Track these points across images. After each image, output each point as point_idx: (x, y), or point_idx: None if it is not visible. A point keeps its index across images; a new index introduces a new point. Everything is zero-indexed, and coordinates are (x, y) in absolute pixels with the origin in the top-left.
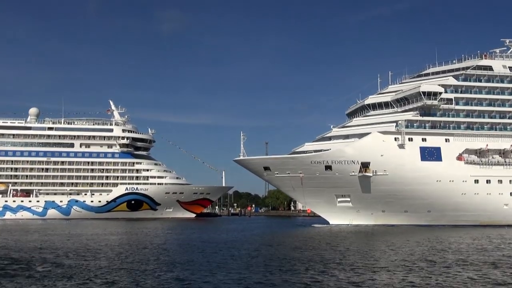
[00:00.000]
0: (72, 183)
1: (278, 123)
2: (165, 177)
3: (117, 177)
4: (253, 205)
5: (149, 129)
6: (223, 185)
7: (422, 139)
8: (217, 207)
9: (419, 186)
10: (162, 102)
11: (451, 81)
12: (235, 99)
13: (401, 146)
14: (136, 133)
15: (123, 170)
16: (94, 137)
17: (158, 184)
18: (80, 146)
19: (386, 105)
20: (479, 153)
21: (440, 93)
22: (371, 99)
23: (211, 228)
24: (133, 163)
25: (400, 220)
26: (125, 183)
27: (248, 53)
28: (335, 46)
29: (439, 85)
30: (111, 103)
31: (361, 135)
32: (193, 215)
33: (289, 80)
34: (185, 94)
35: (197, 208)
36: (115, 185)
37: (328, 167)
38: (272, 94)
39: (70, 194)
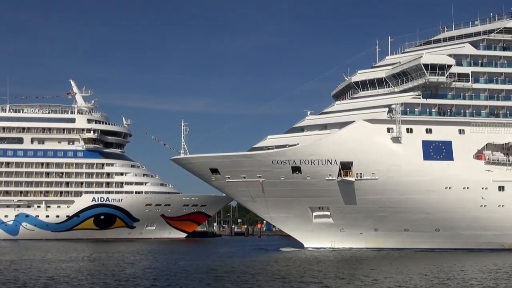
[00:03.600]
0: (21, 192)
1: (295, 110)
2: (146, 183)
3: (81, 183)
4: (264, 222)
5: (123, 118)
6: (224, 194)
7: (426, 130)
8: (215, 224)
9: (421, 195)
10: (140, 83)
11: (468, 49)
12: (236, 79)
13: (396, 139)
14: (106, 124)
15: (89, 174)
16: (50, 129)
17: (136, 193)
18: (32, 142)
19: (380, 82)
20: (507, 149)
21: (450, 66)
22: (359, 75)
23: (204, 253)
24: (103, 164)
25: (399, 242)
26: (92, 192)
27: (254, 19)
28: (356, 10)
29: (449, 55)
30: (73, 83)
31: (343, 124)
32: (184, 235)
33: (308, 54)
34: (170, 72)
35: (188, 225)
36: (79, 194)
37: (296, 169)
38: (286, 73)
39: (19, 206)
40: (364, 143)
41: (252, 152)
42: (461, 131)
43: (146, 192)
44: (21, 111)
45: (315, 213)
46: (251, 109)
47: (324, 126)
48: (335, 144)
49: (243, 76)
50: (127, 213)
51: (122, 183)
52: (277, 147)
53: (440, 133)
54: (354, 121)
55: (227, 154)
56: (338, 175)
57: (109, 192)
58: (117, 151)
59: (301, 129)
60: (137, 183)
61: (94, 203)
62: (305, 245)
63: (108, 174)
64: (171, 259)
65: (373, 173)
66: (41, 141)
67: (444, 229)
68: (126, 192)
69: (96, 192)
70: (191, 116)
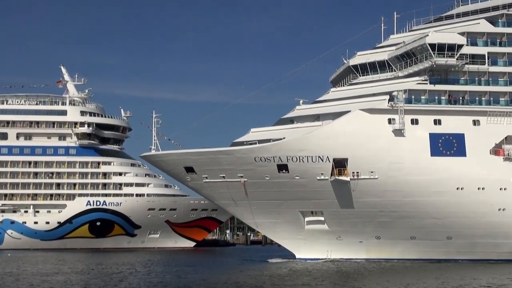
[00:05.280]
0: (6, 195)
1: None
2: (148, 184)
3: (74, 185)
4: None
5: (122, 110)
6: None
7: (434, 121)
8: (228, 232)
9: (428, 197)
10: (141, 70)
11: (484, 26)
12: (254, 64)
13: (399, 132)
14: (102, 116)
15: (83, 174)
16: (38, 123)
17: (136, 195)
18: (17, 138)
19: (382, 66)
20: None
21: (461, 45)
22: (359, 58)
23: (212, 265)
24: (98, 163)
25: (405, 252)
26: (87, 194)
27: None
28: None
29: (461, 33)
30: (63, 70)
31: (338, 115)
32: (192, 244)
33: (332, 31)
34: (176, 57)
35: (197, 232)
36: (71, 197)
37: (282, 167)
38: (311, 54)
39: (3, 211)
40: (361, 136)
41: (230, 148)
42: (475, 122)
43: (148, 195)
44: (5, 103)
45: (307, 219)
46: (275, 99)
47: (316, 117)
48: (327, 137)
49: (260, 61)
50: (127, 218)
51: (121, 184)
52: (261, 141)
53: (451, 125)
54: (350, 111)
55: (202, 150)
56: (331, 174)
57: (106, 195)
58: (115, 147)
59: (290, 120)
60: (138, 185)
61: (89, 207)
62: (297, 256)
63: (105, 174)
64: (173, 272)
65: (371, 172)
66: (28, 136)
67: (457, 236)
68: (125, 195)
69: (91, 195)
70: (200, 106)
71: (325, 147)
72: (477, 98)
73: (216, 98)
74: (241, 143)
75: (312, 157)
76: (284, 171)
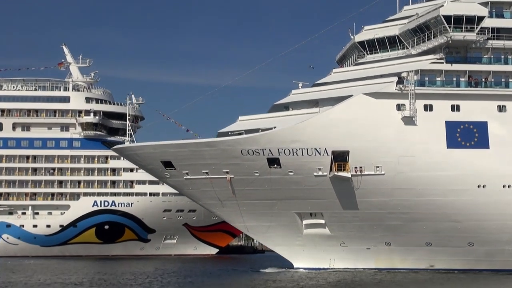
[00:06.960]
0: (1, 194)
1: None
2: (163, 182)
3: (79, 182)
4: None
5: (133, 96)
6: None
7: (452, 106)
8: None
9: (445, 196)
10: (154, 50)
11: None
12: (276, 44)
13: (410, 120)
14: (110, 103)
15: (89, 171)
16: (37, 111)
17: (150, 195)
18: (13, 129)
19: (392, 42)
20: None
21: (482, 17)
22: (366, 33)
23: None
24: (106, 157)
25: (419, 261)
26: (93, 194)
27: None
28: None
29: (483, 3)
30: (66, 50)
31: (339, 100)
32: (214, 251)
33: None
34: (193, 36)
35: (220, 237)
36: (75, 196)
37: (274, 161)
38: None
39: None
40: (364, 125)
41: (213, 139)
42: (500, 108)
43: (163, 194)
44: None
45: (305, 222)
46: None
47: (314, 103)
48: (325, 126)
49: (286, 38)
50: (139, 221)
51: (132, 182)
52: (249, 131)
53: (471, 111)
54: (352, 96)
55: (182, 142)
56: (330, 170)
57: (115, 194)
58: (125, 139)
59: (285, 107)
60: (151, 182)
61: (95, 208)
62: (295, 265)
63: (114, 171)
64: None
65: (377, 167)
66: (26, 127)
67: (479, 243)
68: (137, 194)
69: (98, 194)
70: (221, 90)
71: (323, 137)
72: (502, 80)
73: (239, 82)
74: (227, 134)
75: (307, 149)
76: (275, 166)
